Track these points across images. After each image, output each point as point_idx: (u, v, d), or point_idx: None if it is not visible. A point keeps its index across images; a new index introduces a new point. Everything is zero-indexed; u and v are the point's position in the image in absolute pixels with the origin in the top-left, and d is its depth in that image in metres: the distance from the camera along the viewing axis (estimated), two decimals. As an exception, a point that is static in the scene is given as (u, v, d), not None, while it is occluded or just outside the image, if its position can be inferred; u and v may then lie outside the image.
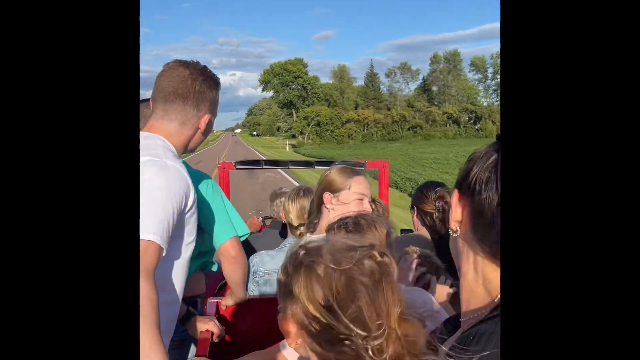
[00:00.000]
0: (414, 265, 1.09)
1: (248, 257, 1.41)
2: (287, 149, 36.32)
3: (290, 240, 1.52)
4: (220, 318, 1.40)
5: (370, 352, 0.47)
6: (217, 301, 1.45)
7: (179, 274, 1.05)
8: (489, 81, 60.86)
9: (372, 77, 60.50)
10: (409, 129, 49.99)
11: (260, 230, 2.39)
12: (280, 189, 2.25)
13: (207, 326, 1.26)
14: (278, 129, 65.94)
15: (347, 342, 0.48)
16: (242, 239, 1.37)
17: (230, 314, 1.45)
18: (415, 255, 1.12)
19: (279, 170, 12.50)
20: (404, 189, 10.40)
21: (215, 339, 1.25)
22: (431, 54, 61.50)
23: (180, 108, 1.05)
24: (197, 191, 1.18)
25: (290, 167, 2.28)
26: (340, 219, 1.00)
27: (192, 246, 1.06)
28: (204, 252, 1.43)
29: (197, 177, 1.28)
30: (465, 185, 0.50)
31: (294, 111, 59.51)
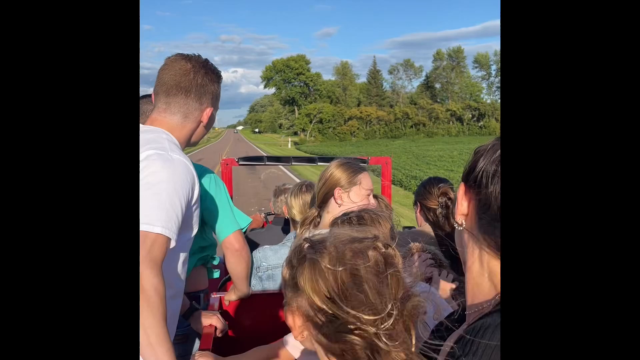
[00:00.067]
0: (424, 261, 1.10)
1: (251, 253, 1.41)
2: (289, 146, 36.33)
3: (293, 235, 1.53)
4: (224, 313, 1.41)
5: (383, 339, 0.47)
6: (220, 296, 1.46)
7: (182, 267, 1.05)
8: (492, 78, 60.53)
9: (374, 74, 60.31)
10: (411, 126, 49.84)
11: (262, 226, 2.40)
12: (284, 185, 2.25)
13: (210, 321, 1.27)
14: (280, 126, 65.93)
15: (355, 332, 0.47)
16: (244, 228, 1.37)
17: (233, 309, 1.46)
18: (416, 250, 1.11)
19: (281, 167, 12.53)
20: (409, 187, 10.18)
21: (218, 334, 1.26)
22: (434, 51, 61.34)
23: (182, 101, 1.06)
24: (201, 185, 1.19)
25: (293, 163, 2.28)
26: (344, 214, 1.00)
27: (192, 240, 1.07)
28: (205, 246, 1.43)
29: (200, 171, 1.28)
30: (471, 179, 0.50)
31: (296, 108, 59.43)
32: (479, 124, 50.83)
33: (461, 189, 0.52)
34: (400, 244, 0.55)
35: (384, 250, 0.51)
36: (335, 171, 1.28)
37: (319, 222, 1.31)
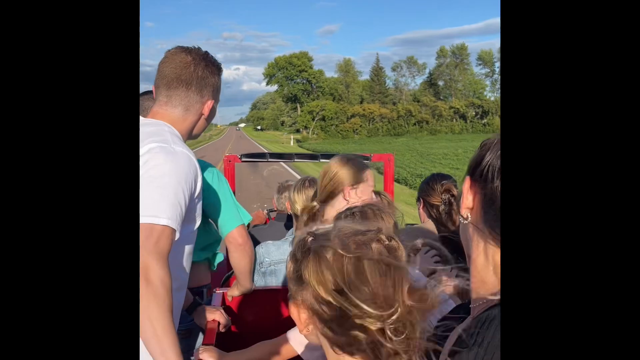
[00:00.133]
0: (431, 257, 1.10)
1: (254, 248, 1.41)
2: (292, 143, 36.29)
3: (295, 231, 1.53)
4: (227, 309, 1.42)
5: (388, 333, 0.47)
6: (223, 292, 1.46)
7: (187, 260, 1.05)
8: (496, 75, 60.18)
9: (377, 71, 60.11)
10: (414, 124, 49.69)
11: (265, 222, 2.40)
12: (287, 181, 2.25)
13: (214, 316, 1.28)
14: (282, 123, 65.88)
15: (360, 324, 0.47)
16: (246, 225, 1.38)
17: (237, 304, 1.46)
18: (422, 246, 1.11)
19: (283, 164, 12.52)
20: (414, 185, 9.97)
21: (221, 329, 1.26)
22: (436, 49, 61.00)
23: (183, 94, 1.06)
24: (204, 180, 1.19)
25: (296, 160, 2.28)
26: (348, 209, 1.00)
27: (196, 233, 1.07)
28: (209, 243, 1.44)
29: (202, 166, 1.28)
30: (477, 173, 0.50)
31: (298, 105, 59.37)
32: (483, 122, 50.59)
33: (467, 183, 0.52)
34: (404, 240, 0.55)
35: (387, 242, 0.51)
36: (343, 168, 1.28)
37: (322, 216, 1.31)
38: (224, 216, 1.30)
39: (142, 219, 0.84)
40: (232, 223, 1.29)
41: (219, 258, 1.51)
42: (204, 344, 1.13)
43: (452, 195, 1.52)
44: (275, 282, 1.47)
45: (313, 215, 1.31)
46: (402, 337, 0.47)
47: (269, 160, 2.23)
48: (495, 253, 0.49)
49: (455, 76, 57.76)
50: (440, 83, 58.77)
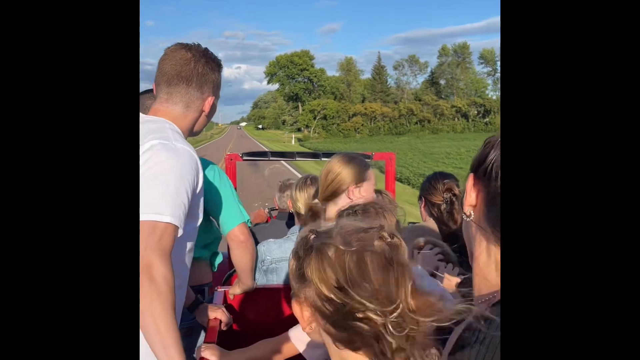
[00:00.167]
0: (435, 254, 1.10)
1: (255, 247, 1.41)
2: (293, 142, 36.28)
3: (297, 229, 1.53)
4: (228, 307, 1.42)
5: (390, 328, 0.47)
6: (224, 290, 1.46)
7: (188, 257, 1.06)
8: (498, 74, 59.97)
9: (379, 70, 60.00)
10: (416, 123, 49.59)
11: (267, 221, 2.40)
12: (289, 180, 2.26)
13: (215, 314, 1.28)
14: (283, 122, 65.86)
15: (363, 320, 0.47)
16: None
17: (238, 303, 1.46)
18: (424, 244, 1.11)
19: (285, 164, 12.53)
20: (417, 185, 9.79)
21: (223, 327, 1.26)
22: (438, 47, 60.79)
23: (184, 91, 1.06)
24: (205, 178, 1.19)
25: (297, 158, 2.28)
26: (350, 207, 1.00)
27: (197, 230, 1.07)
28: (210, 241, 1.44)
29: (203, 164, 1.28)
30: (481, 170, 0.50)
31: (299, 104, 59.34)
32: (485, 121, 50.45)
33: (470, 180, 0.51)
34: (406, 238, 0.55)
35: (389, 239, 0.51)
36: (347, 167, 1.28)
37: (325, 215, 1.31)
38: (226, 213, 1.30)
39: (146, 216, 0.84)
40: (233, 220, 1.29)
41: (219, 259, 1.51)
42: (205, 342, 1.13)
43: (454, 195, 1.52)
44: (276, 280, 1.47)
45: (316, 214, 1.31)
46: (404, 332, 0.47)
47: (271, 159, 2.23)
48: (497, 251, 0.49)
49: (457, 75, 57.61)
50: (442, 82, 58.61)
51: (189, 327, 1.38)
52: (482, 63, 60.26)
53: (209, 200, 1.24)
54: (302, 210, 1.55)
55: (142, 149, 0.92)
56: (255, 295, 1.44)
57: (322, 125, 49.63)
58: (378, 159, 2.12)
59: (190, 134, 1.12)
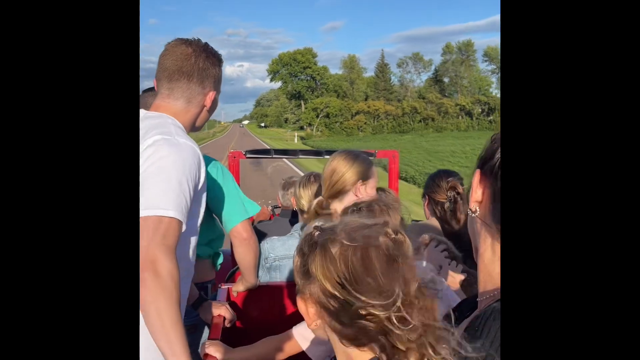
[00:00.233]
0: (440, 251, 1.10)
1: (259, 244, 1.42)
2: (296, 140, 36.29)
3: (300, 226, 1.53)
4: (232, 304, 1.42)
5: (395, 321, 0.47)
6: (228, 287, 1.47)
7: (192, 252, 1.06)
8: (502, 72, 59.43)
9: (382, 68, 59.81)
10: (420, 121, 49.41)
11: (270, 218, 2.41)
12: (292, 177, 2.26)
13: (219, 311, 1.28)
14: (286, 120, 65.82)
15: (368, 317, 0.47)
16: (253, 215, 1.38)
17: (241, 300, 1.47)
18: (429, 241, 1.11)
19: (287, 162, 12.53)
20: (422, 184, 9.91)
21: (227, 324, 1.27)
22: (442, 45, 60.62)
23: (185, 86, 1.06)
24: (208, 174, 1.19)
25: (300, 156, 2.28)
26: (355, 204, 1.00)
27: (200, 224, 1.07)
28: (213, 238, 1.44)
29: (206, 161, 1.28)
30: (487, 167, 0.49)
31: (302, 102, 59.29)
32: (489, 119, 50.18)
33: (476, 177, 0.51)
34: (410, 236, 0.55)
35: (393, 236, 0.51)
36: (353, 166, 1.27)
37: (330, 212, 1.31)
38: (229, 210, 1.30)
39: (150, 212, 0.84)
40: (236, 217, 1.29)
41: (221, 259, 1.51)
42: (209, 338, 1.14)
43: (458, 193, 1.51)
44: (279, 277, 1.48)
45: (321, 211, 1.31)
46: (410, 327, 0.47)
47: (274, 156, 2.24)
48: None
49: (461, 73, 57.35)
50: (446, 80, 58.37)
51: (193, 324, 1.38)
52: (486, 61, 59.94)
53: (212, 197, 1.24)
54: (306, 208, 1.55)
55: (145, 144, 0.92)
56: (258, 293, 1.44)
57: (325, 123, 49.57)
58: (381, 157, 2.11)
59: (192, 129, 1.12)
